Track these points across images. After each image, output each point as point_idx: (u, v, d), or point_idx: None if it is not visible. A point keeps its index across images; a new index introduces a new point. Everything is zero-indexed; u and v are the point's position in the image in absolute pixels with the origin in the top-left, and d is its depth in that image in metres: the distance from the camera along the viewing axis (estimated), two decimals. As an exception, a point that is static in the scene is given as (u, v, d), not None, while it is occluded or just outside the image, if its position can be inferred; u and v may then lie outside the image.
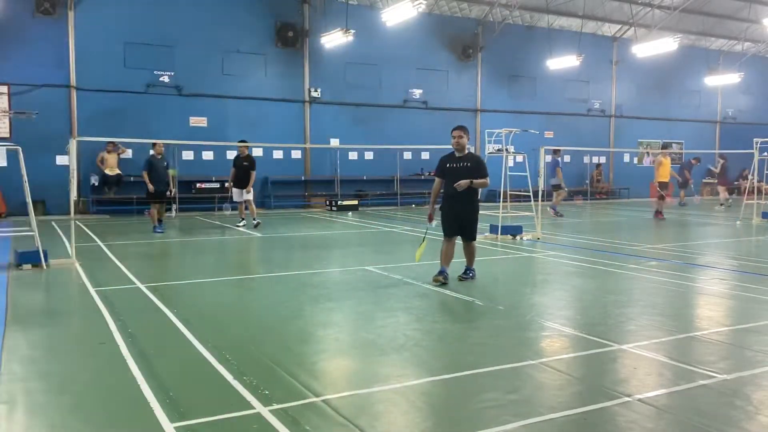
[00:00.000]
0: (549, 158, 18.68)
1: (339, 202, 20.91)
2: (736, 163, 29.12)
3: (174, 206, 17.55)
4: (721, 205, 22.11)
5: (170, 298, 7.12)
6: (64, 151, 10.84)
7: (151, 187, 13.66)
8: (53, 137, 17.40)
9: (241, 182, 14.77)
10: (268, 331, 5.95)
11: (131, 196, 18.72)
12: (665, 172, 17.88)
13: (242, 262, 10.99)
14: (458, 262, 8.22)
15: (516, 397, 4.15)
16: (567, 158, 26.19)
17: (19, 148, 9.07)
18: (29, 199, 9.23)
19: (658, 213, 17.57)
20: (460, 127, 8.01)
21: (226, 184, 16.00)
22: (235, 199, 15.30)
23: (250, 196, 14.93)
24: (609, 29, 27.33)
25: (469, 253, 8.15)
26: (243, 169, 14.72)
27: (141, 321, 6.16)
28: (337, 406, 3.99)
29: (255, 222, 14.59)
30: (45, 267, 9.03)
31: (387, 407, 4.06)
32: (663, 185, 17.74)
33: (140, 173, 14.32)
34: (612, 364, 4.97)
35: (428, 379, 4.55)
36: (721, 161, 24.03)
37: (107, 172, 18.51)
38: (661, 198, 17.65)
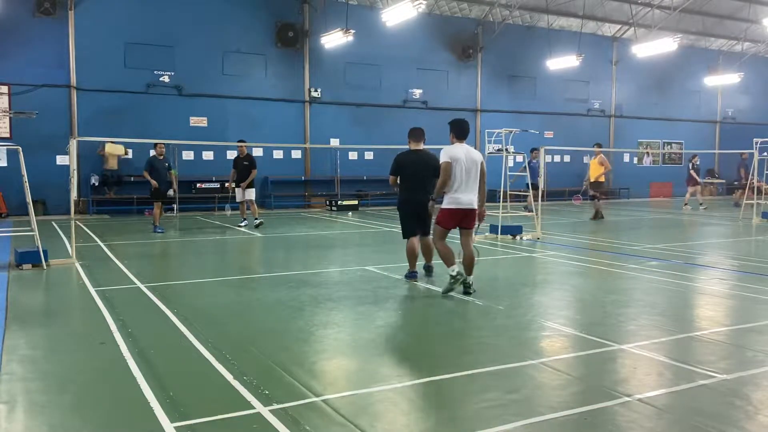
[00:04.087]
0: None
1: (339, 202, 20.91)
2: (736, 163, 29.14)
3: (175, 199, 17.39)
4: (699, 205, 21.28)
5: (170, 298, 7.12)
6: (64, 151, 10.85)
7: (154, 183, 13.71)
8: (53, 137, 17.42)
9: (243, 182, 14.80)
10: (268, 331, 5.95)
11: (131, 196, 18.75)
12: (596, 171, 17.16)
13: (242, 262, 10.99)
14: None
15: (516, 397, 4.15)
16: (567, 158, 26.24)
17: (20, 148, 9.08)
18: (29, 199, 9.24)
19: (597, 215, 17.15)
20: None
21: (227, 185, 16.00)
22: (237, 199, 15.30)
23: (252, 196, 14.97)
24: (609, 29, 27.34)
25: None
26: (243, 168, 14.74)
27: (141, 321, 6.16)
28: (337, 406, 3.99)
29: (257, 222, 14.61)
30: (45, 267, 9.03)
31: (387, 407, 4.06)
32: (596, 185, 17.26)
33: (140, 173, 14.33)
34: (612, 364, 4.97)
35: (428, 379, 4.55)
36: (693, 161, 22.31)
37: (107, 167, 18.56)
38: (594, 198, 17.21)
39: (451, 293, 7.19)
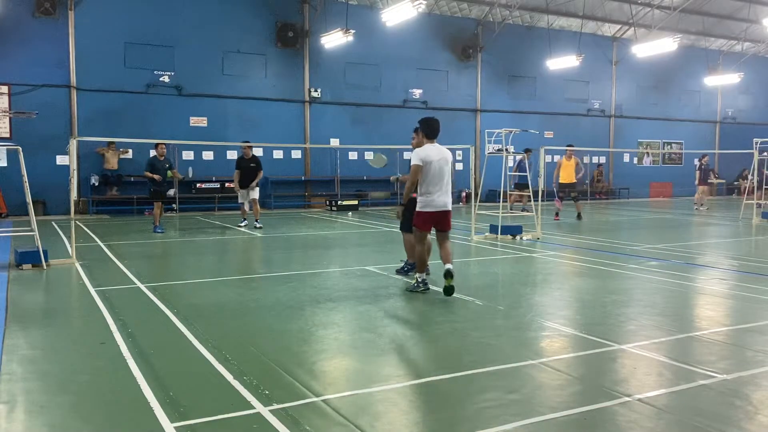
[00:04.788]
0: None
1: (339, 202, 20.92)
2: (736, 162, 29.17)
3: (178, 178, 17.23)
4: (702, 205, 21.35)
5: (170, 298, 7.12)
6: (64, 151, 10.85)
7: (157, 177, 13.69)
8: (53, 137, 17.43)
9: (248, 183, 14.76)
10: (268, 331, 5.95)
11: (131, 196, 18.75)
12: (568, 173, 17.19)
13: (242, 261, 10.99)
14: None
15: (516, 397, 4.15)
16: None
17: (20, 148, 9.08)
18: (29, 199, 9.24)
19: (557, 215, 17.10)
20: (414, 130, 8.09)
21: (228, 184, 15.95)
22: (240, 200, 15.25)
23: (257, 195, 14.91)
24: (609, 29, 27.34)
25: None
26: (250, 170, 14.68)
27: (141, 321, 6.16)
28: (337, 406, 3.99)
29: (257, 225, 14.57)
30: (45, 267, 9.03)
31: (387, 407, 4.06)
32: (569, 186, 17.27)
33: (140, 173, 14.32)
34: (612, 364, 4.97)
35: (428, 379, 4.55)
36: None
37: (107, 167, 18.57)
38: (575, 199, 17.22)
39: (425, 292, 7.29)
